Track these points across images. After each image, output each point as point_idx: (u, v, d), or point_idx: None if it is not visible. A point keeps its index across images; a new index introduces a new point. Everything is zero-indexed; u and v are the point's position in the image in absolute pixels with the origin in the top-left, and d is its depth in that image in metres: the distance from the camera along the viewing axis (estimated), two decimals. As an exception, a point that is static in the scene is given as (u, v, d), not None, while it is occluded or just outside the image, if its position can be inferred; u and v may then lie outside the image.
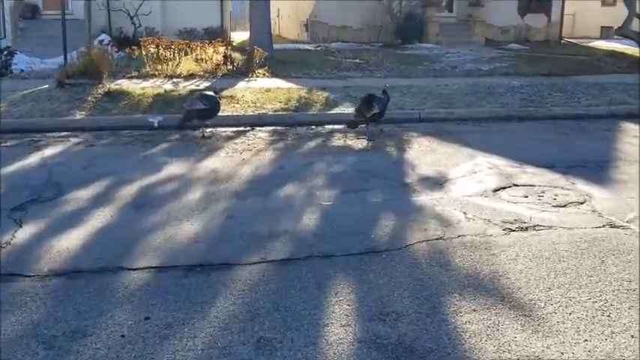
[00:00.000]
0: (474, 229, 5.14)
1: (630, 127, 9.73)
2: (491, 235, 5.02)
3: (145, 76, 13.59)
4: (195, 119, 8.76)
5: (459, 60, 17.12)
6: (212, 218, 5.44)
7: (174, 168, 7.14)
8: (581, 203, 5.86)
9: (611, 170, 7.09)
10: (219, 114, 10.01)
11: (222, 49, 14.42)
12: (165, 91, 11.82)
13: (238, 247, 4.81)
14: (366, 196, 6.10)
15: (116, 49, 15.42)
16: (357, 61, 16.37)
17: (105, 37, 16.10)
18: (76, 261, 4.53)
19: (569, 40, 24.07)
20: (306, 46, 20.49)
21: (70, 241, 4.89)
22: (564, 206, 5.78)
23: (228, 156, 7.72)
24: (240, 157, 7.63)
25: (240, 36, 24.43)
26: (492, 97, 11.62)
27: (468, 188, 6.33)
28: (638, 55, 18.05)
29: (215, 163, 7.37)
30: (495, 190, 6.28)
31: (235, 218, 5.45)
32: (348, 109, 10.53)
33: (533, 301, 3.93)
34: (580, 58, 17.50)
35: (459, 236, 5.00)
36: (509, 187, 6.40)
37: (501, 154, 7.74)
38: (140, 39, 14.71)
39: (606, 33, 25.87)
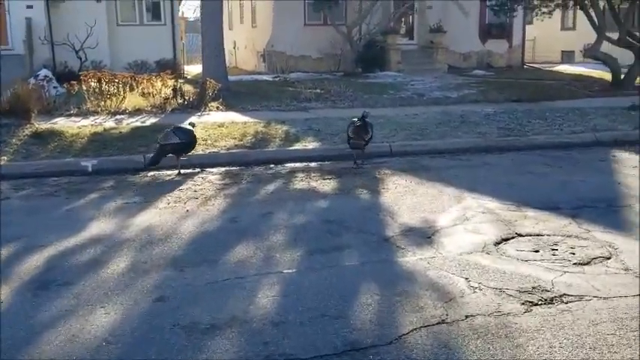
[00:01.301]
0: (484, 305, 3.84)
1: (624, 155, 8.66)
2: (508, 314, 3.72)
3: (85, 114, 12.11)
4: (170, 154, 7.82)
5: (425, 87, 16.08)
6: (136, 302, 4.02)
7: (101, 226, 5.69)
8: (608, 259, 4.64)
9: (625, 211, 5.92)
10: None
11: (171, 82, 13.04)
12: (104, 129, 10.35)
13: (166, 348, 3.40)
14: (339, 258, 4.76)
15: (54, 85, 13.91)
16: (318, 91, 15.16)
17: (43, 72, 14.61)
18: None
19: (531, 65, 23.43)
20: (264, 77, 19.26)
21: None
22: (588, 264, 4.54)
23: (170, 207, 6.31)
24: (184, 208, 6.23)
25: (195, 69, 23.10)
26: (467, 127, 10.49)
27: (463, 242, 5.05)
28: (606, 78, 17.33)
29: (152, 217, 5.95)
30: (497, 244, 5.01)
31: (167, 301, 4.04)
32: (310, 144, 9.25)
33: None
34: (549, 83, 16.65)
35: (467, 317, 3.69)
36: (513, 238, 5.15)
37: (492, 194, 6.52)
38: (79, 73, 13.23)
39: (567, 57, 25.39)
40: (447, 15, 21.50)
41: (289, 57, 20.68)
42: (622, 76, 15.36)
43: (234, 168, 8.24)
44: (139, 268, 4.62)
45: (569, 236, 5.15)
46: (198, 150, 8.83)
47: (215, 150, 8.89)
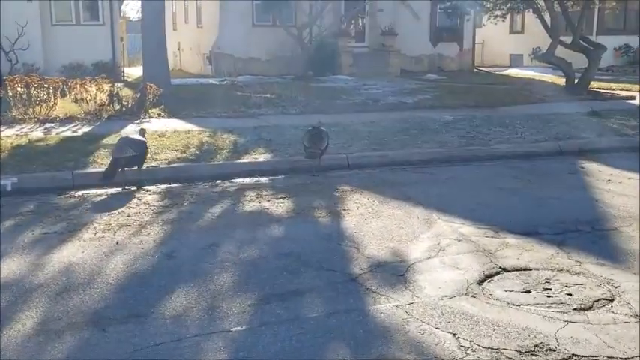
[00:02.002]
0: (482, 375, 3.09)
1: (593, 167, 8.13)
2: (514, 388, 2.98)
3: (10, 122, 10.91)
4: (124, 167, 7.15)
5: (378, 92, 15.41)
6: (39, 383, 3.10)
7: (10, 267, 4.68)
8: (611, 300, 3.96)
9: (613, 236, 5.29)
10: (94, 171, 7.66)
11: (107, 87, 11.92)
12: (29, 141, 9.22)
13: None
14: (299, 307, 3.93)
15: (-24, 90, 12.58)
16: (268, 95, 14.30)
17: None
18: None
19: (481, 68, 23.15)
20: (210, 81, 18.23)
21: None
22: (590, 308, 3.85)
23: (97, 238, 5.34)
24: (113, 240, 5.28)
25: (137, 72, 21.80)
26: (427, 136, 9.82)
27: (442, 281, 4.29)
28: (557, 82, 17.10)
29: (74, 252, 4.98)
30: (481, 282, 4.28)
31: (80, 380, 3.13)
32: (260, 156, 8.39)
33: None
34: (503, 88, 16.25)
35: (464, 394, 2.93)
36: (498, 273, 4.43)
37: (465, 216, 5.81)
38: (4, 78, 11.96)
39: (516, 60, 25.25)
40: (398, 18, 20.97)
41: (237, 59, 19.72)
42: (575, 81, 15.06)
43: (176, 185, 7.31)
44: (50, 328, 3.67)
45: (561, 270, 4.47)
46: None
47: (154, 164, 7.92)
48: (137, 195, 6.85)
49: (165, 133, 9.83)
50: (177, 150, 8.69)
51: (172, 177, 7.65)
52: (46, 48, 18.55)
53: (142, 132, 7.76)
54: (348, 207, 6.24)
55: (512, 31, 25.62)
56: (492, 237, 5.21)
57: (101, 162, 7.95)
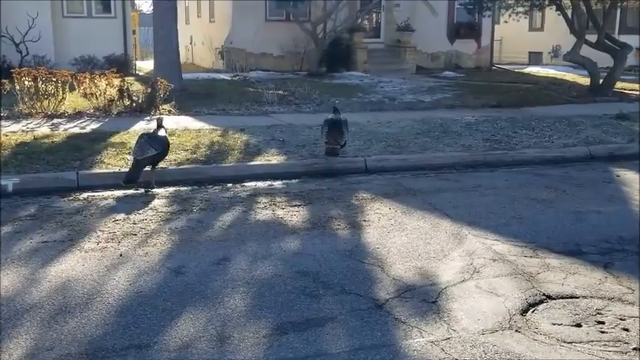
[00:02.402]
0: None
1: (629, 176, 7.59)
2: None
3: (17, 117, 10.54)
4: (147, 167, 6.81)
5: (395, 90, 14.89)
6: None
7: (2, 282, 4.27)
8: (675, 338, 3.48)
9: (665, 258, 4.79)
10: (100, 171, 7.26)
11: (117, 82, 11.49)
12: (34, 137, 8.81)
13: None
14: (320, 340, 3.47)
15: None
16: (281, 92, 13.81)
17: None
18: None
19: (499, 66, 22.54)
20: (222, 76, 17.78)
21: None
22: (655, 349, 3.37)
23: (99, 248, 4.91)
24: (117, 251, 4.84)
25: (149, 65, 21.38)
26: (449, 138, 9.32)
27: (480, 311, 3.81)
28: (580, 81, 16.51)
29: (74, 265, 4.55)
30: (524, 312, 3.80)
31: None
32: (274, 158, 7.93)
33: None
34: (525, 87, 15.67)
35: None
36: (542, 302, 3.94)
37: (498, 231, 5.33)
38: (12, 70, 11.56)
39: (535, 58, 24.63)
40: (414, 14, 20.39)
41: (249, 54, 19.23)
42: (600, 81, 14.47)
43: (185, 188, 6.87)
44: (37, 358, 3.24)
45: (612, 299, 3.98)
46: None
47: (163, 165, 7.48)
48: (144, 199, 6.42)
49: (175, 132, 9.38)
50: (188, 150, 8.25)
51: (182, 179, 7.22)
52: (57, 40, 18.15)
53: (159, 122, 7.22)
54: (368, 218, 5.77)
55: (531, 28, 24.96)
56: (531, 257, 4.73)
57: (108, 161, 7.54)
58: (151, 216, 5.80)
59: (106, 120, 10.60)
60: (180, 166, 7.55)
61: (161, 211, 5.95)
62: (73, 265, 4.56)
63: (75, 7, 19.00)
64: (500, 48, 25.31)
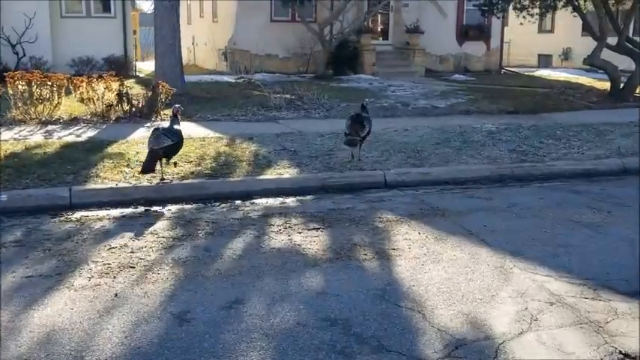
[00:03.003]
0: None
1: (674, 193, 6.92)
2: None
3: (10, 123, 9.89)
4: (162, 159, 6.72)
5: (406, 95, 14.20)
6: None
7: (-26, 331, 3.58)
8: None
9: None
10: (95, 186, 6.57)
11: (115, 85, 10.80)
12: (26, 147, 8.13)
13: None
14: (362, 421, 2.79)
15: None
16: (288, 96, 13.13)
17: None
18: None
19: (509, 69, 21.85)
20: (226, 78, 17.10)
21: None
22: None
23: (91, 286, 4.22)
24: (111, 290, 4.15)
25: (150, 66, 20.68)
26: (471, 148, 8.64)
27: (550, 376, 3.14)
28: (597, 85, 15.81)
29: (60, 310, 3.85)
30: (604, 379, 3.12)
31: None
32: (285, 172, 7.26)
33: None
34: (541, 91, 14.98)
35: None
36: (622, 364, 3.27)
37: (546, 263, 4.64)
38: (5, 74, 10.85)
39: (545, 61, 23.94)
40: (423, 15, 19.72)
41: (254, 56, 18.54)
42: (621, 85, 13.78)
43: (189, 207, 6.19)
44: None
45: None
46: (143, 181, 6.75)
47: (165, 180, 6.80)
48: (144, 220, 5.72)
49: (178, 140, 8.71)
50: (192, 162, 7.56)
51: (186, 196, 6.54)
52: (54, 41, 17.47)
53: (176, 111, 6.99)
54: (397, 245, 5.08)
55: (540, 30, 24.26)
56: (593, 299, 4.03)
57: (104, 175, 6.85)
58: (151, 242, 5.11)
59: (104, 127, 9.93)
60: (184, 181, 6.86)
61: (163, 236, 5.26)
62: (60, 309, 3.87)
63: (74, 7, 18.33)
64: (508, 50, 24.62)
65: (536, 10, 14.94)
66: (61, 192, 6.34)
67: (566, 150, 8.66)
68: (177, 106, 7.19)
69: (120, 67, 17.92)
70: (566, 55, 23.25)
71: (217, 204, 6.34)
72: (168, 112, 11.06)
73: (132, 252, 4.88)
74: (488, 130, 9.84)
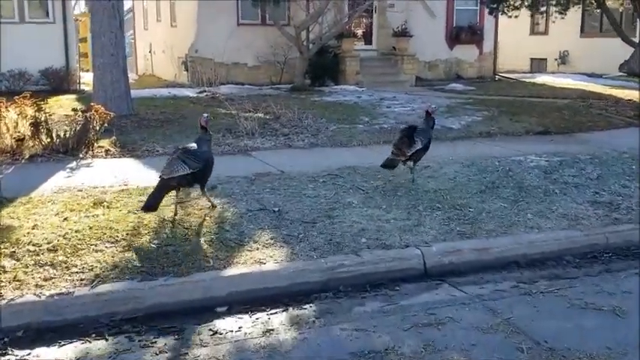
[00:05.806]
0: None
1: None
2: None
3: None
4: (176, 190, 5.22)
5: (406, 111, 11.41)
6: None
7: None
8: None
9: None
10: None
11: (31, 112, 7.80)
12: None
13: None
14: None
15: None
16: (262, 116, 10.29)
17: None
18: None
19: (503, 75, 19.31)
20: (186, 92, 14.11)
21: None
22: None
23: None
24: None
25: (99, 78, 17.53)
26: (532, 198, 5.89)
27: None
28: (619, 95, 13.34)
29: None
30: None
31: None
32: (267, 256, 4.42)
33: None
34: (562, 104, 12.38)
35: None
36: None
37: None
38: None
39: (538, 65, 21.48)
40: (410, 16, 17.03)
41: (218, 65, 15.55)
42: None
43: (101, 346, 3.30)
44: None
45: None
46: (31, 285, 3.81)
47: (65, 285, 3.89)
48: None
49: (106, 194, 5.81)
50: (117, 241, 4.65)
51: (99, 317, 3.65)
52: (-20, 51, 14.24)
53: (206, 121, 5.41)
54: None
55: (533, 32, 21.79)
56: None
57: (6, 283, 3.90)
58: None
59: (10, 170, 6.95)
60: (96, 289, 3.93)
61: None
62: None
63: (4, 12, 15.09)
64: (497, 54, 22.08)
65: (556, 9, 12.37)
66: None
67: (660, 197, 5.99)
68: (205, 115, 5.51)
69: (60, 80, 14.86)
70: (562, 58, 20.85)
71: (152, 336, 3.48)
72: (106, 143, 8.14)
73: None
74: (539, 165, 7.11)
